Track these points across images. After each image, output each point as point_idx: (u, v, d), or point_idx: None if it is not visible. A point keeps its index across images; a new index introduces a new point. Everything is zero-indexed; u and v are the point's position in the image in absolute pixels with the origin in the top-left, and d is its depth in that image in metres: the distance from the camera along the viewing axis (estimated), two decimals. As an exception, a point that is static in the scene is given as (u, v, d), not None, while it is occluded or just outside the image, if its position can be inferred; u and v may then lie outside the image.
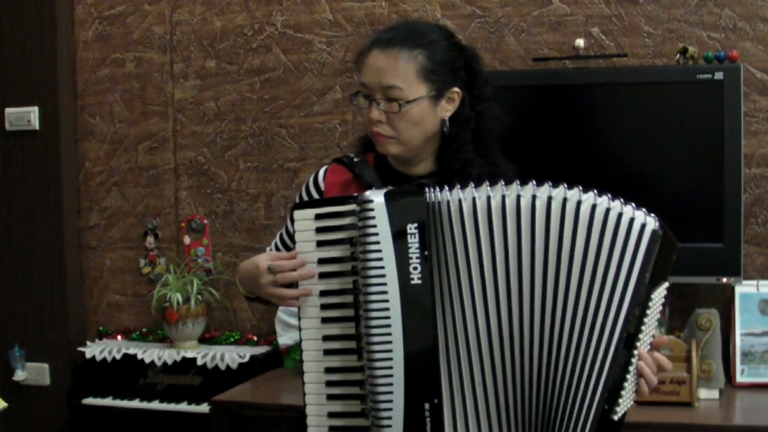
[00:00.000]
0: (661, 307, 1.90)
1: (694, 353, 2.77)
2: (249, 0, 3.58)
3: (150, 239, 3.74)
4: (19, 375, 3.70)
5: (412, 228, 1.80)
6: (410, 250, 1.80)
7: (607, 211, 1.79)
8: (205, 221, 3.66)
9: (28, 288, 3.74)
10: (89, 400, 3.50)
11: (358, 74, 2.07)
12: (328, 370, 1.89)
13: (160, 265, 3.72)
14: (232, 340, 3.55)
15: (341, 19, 3.48)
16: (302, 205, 1.95)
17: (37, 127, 3.70)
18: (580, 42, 3.15)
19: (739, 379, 2.96)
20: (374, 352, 1.80)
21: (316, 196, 2.15)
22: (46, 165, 3.70)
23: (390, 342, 1.80)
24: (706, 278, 2.99)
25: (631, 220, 1.81)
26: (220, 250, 3.66)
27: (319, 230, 1.90)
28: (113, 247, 3.81)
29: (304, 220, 1.91)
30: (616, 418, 1.86)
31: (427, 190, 1.82)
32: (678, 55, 3.03)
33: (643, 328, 1.84)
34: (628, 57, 3.16)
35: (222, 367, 3.35)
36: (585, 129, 3.08)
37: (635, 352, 1.84)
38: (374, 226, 1.80)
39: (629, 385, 1.87)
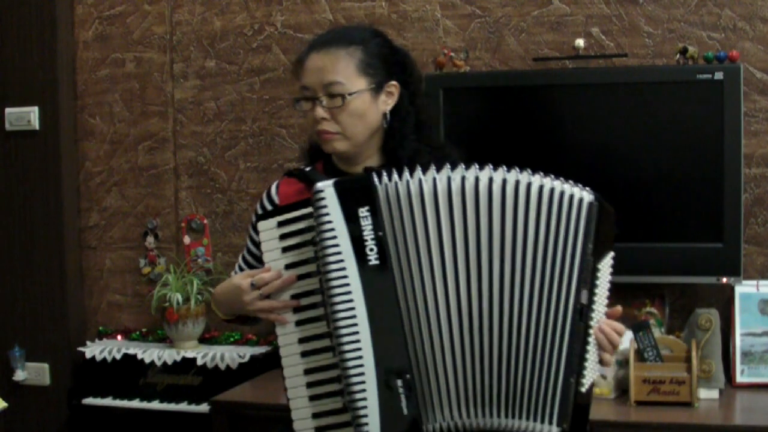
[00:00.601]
0: (610, 277, 1.95)
1: (694, 353, 2.77)
2: (249, 0, 3.58)
3: (150, 239, 3.74)
4: (19, 375, 3.70)
5: (363, 211, 1.85)
6: (364, 232, 1.84)
7: (541, 188, 1.86)
8: (205, 221, 3.66)
9: (28, 288, 3.74)
10: (89, 400, 3.50)
11: (297, 82, 2.12)
12: (307, 372, 1.92)
13: (160, 265, 3.72)
14: (232, 340, 3.55)
15: (341, 19, 3.48)
16: (264, 215, 1.99)
17: (37, 127, 3.70)
18: (580, 42, 3.16)
19: (739, 379, 2.96)
20: (340, 328, 1.83)
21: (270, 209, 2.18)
22: (46, 165, 3.70)
23: (355, 322, 1.83)
24: (706, 278, 3.00)
25: (569, 196, 1.87)
26: (220, 250, 3.66)
27: (282, 237, 1.94)
28: (113, 247, 3.81)
29: (268, 230, 1.95)
30: (583, 390, 1.90)
31: (374, 174, 1.87)
32: (678, 55, 3.03)
33: (595, 299, 1.90)
34: (628, 57, 3.16)
35: (222, 367, 3.35)
36: (585, 129, 3.09)
37: (591, 323, 1.90)
38: (327, 214, 1.85)
39: (591, 356, 1.91)
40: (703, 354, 2.84)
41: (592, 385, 1.94)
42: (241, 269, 2.23)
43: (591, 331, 1.90)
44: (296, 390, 1.92)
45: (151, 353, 3.46)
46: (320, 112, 2.05)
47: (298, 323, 1.93)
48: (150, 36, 3.71)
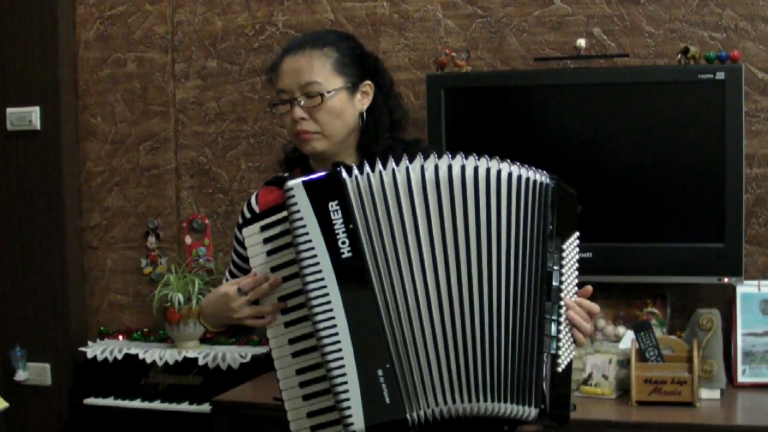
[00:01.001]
0: (577, 256, 1.97)
1: (695, 353, 2.77)
2: (250, 0, 3.58)
3: (151, 239, 3.74)
4: (21, 375, 3.70)
5: (333, 205, 1.87)
6: (335, 226, 1.87)
7: (499, 172, 1.89)
8: (207, 221, 3.66)
9: (30, 288, 3.74)
10: (90, 400, 3.50)
11: (272, 88, 2.14)
12: (300, 371, 1.93)
13: (162, 265, 3.72)
14: (233, 340, 3.55)
15: (342, 19, 3.48)
16: (246, 223, 2.01)
17: (39, 127, 3.70)
18: (582, 42, 3.15)
19: (741, 379, 2.96)
20: (318, 322, 1.85)
21: None
22: (48, 165, 3.70)
23: (332, 316, 1.85)
24: (708, 278, 2.99)
25: (527, 179, 1.91)
26: (222, 250, 3.66)
27: (266, 240, 1.96)
28: (114, 247, 3.81)
29: (252, 235, 1.97)
30: (559, 369, 1.91)
31: (342, 168, 1.90)
32: (679, 55, 3.03)
33: (563, 279, 1.93)
34: (629, 57, 3.16)
35: (223, 367, 3.35)
36: (586, 129, 3.09)
37: (561, 303, 1.92)
38: (298, 211, 1.87)
39: (564, 336, 1.94)
40: (704, 354, 2.84)
41: (570, 364, 1.96)
42: (228, 280, 2.24)
43: (562, 311, 1.93)
44: (291, 390, 1.93)
45: (153, 353, 3.46)
46: (299, 112, 2.08)
47: (288, 324, 1.95)
48: (151, 36, 3.71)
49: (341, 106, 2.09)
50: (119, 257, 3.80)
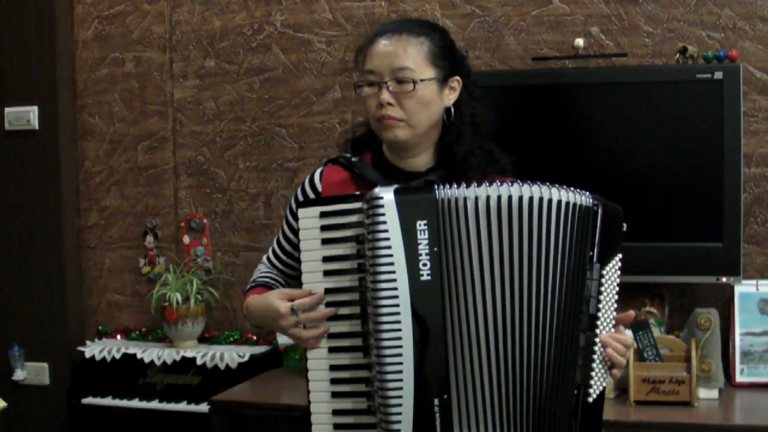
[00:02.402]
0: (618, 280, 1.93)
1: (693, 353, 2.77)
2: (248, 0, 3.59)
3: (149, 239, 3.74)
4: (19, 374, 3.69)
5: (421, 224, 1.82)
6: (420, 247, 1.82)
7: (540, 199, 1.84)
8: (205, 221, 3.66)
9: (28, 287, 3.74)
10: (89, 400, 3.50)
11: (359, 68, 2.10)
12: (333, 368, 1.90)
13: (160, 265, 3.72)
14: (231, 339, 3.55)
15: (341, 18, 3.47)
16: (306, 203, 1.96)
17: (37, 127, 3.70)
18: (580, 41, 3.15)
19: (739, 378, 2.96)
20: (384, 348, 1.81)
21: (312, 197, 2.16)
22: (46, 164, 3.70)
23: (400, 338, 1.81)
24: (706, 278, 2.99)
25: (566, 203, 1.86)
26: (220, 250, 3.66)
27: (324, 228, 1.90)
28: (113, 247, 3.80)
29: (309, 218, 1.92)
30: (590, 399, 1.88)
31: (436, 187, 1.85)
32: (677, 55, 3.03)
33: (600, 306, 1.88)
34: (627, 56, 3.16)
35: (221, 366, 3.35)
36: (584, 129, 3.08)
37: (597, 332, 1.88)
38: (384, 222, 1.81)
39: (597, 367, 1.89)
40: (702, 353, 2.84)
41: (603, 393, 1.92)
42: (275, 255, 2.20)
43: (597, 340, 1.88)
44: (318, 384, 1.91)
45: (151, 353, 3.46)
46: (387, 96, 2.02)
47: (330, 318, 1.92)
48: (149, 35, 3.71)
49: (430, 96, 2.05)
50: (117, 257, 3.80)
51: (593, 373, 1.88)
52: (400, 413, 1.81)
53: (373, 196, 1.83)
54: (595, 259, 1.87)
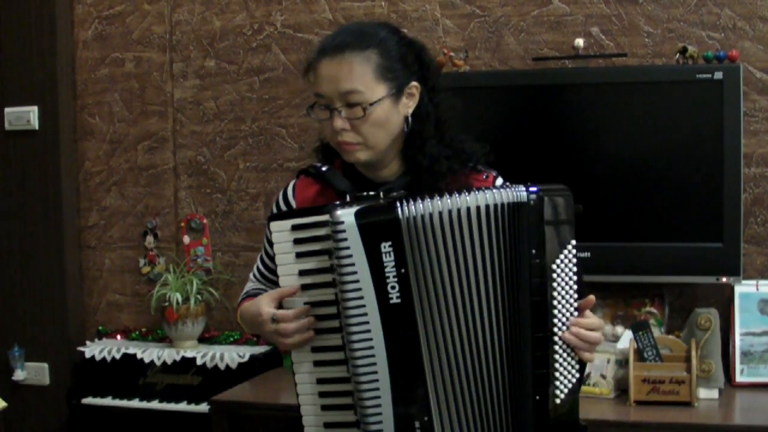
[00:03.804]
0: (575, 269, 1.84)
1: (693, 353, 2.77)
2: (248, 0, 3.59)
3: (149, 239, 3.74)
4: (19, 375, 3.69)
5: (386, 246, 1.77)
6: (386, 269, 1.77)
7: (461, 211, 1.80)
8: (205, 221, 3.66)
9: (28, 287, 3.74)
10: (89, 400, 3.50)
11: (309, 86, 1.99)
12: (320, 381, 1.88)
13: (160, 265, 3.72)
14: (231, 339, 3.55)
15: (341, 18, 3.47)
16: (278, 216, 1.92)
17: (37, 127, 3.70)
18: (580, 42, 3.15)
19: (739, 378, 2.96)
20: (360, 374, 1.78)
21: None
22: (46, 165, 3.70)
23: (375, 364, 1.78)
24: (706, 278, 2.99)
25: (490, 206, 1.81)
26: (220, 250, 3.66)
27: (296, 241, 1.86)
28: (113, 247, 3.80)
29: (281, 232, 1.88)
30: (558, 400, 1.84)
31: (398, 204, 1.79)
32: (677, 55, 3.03)
33: (555, 302, 1.82)
34: (627, 57, 3.16)
35: (221, 366, 3.35)
36: (584, 129, 3.09)
37: (555, 329, 1.83)
38: (347, 248, 1.77)
39: (561, 364, 1.84)
40: (702, 354, 2.84)
41: (574, 391, 1.87)
42: (260, 271, 2.16)
43: (556, 338, 1.83)
44: (307, 397, 1.89)
45: (151, 353, 3.46)
46: (339, 123, 1.91)
47: (315, 349, 1.88)
48: (149, 35, 3.71)
49: (385, 115, 1.92)
50: (117, 257, 3.80)
51: (558, 374, 1.84)
52: None
53: (334, 220, 1.78)
54: (539, 256, 1.81)
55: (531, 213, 1.80)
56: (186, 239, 3.67)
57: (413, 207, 1.79)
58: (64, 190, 3.72)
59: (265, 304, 1.93)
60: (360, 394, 1.79)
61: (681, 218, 2.99)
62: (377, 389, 1.78)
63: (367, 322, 1.77)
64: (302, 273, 1.87)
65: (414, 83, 1.97)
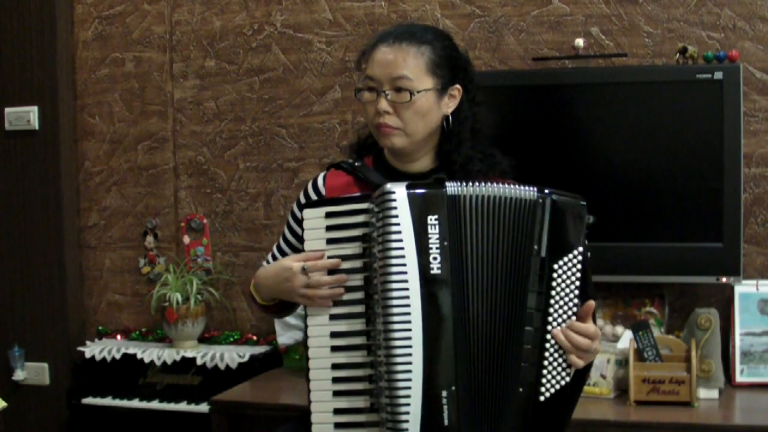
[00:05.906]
0: (578, 274, 1.92)
1: (693, 353, 2.77)
2: (248, 0, 3.58)
3: (149, 239, 3.74)
4: (19, 375, 3.69)
5: (432, 219, 1.86)
6: (431, 241, 1.86)
7: (494, 199, 1.92)
8: (205, 221, 3.66)
9: (28, 287, 3.74)
10: (89, 400, 3.50)
11: (360, 72, 2.12)
12: (335, 367, 1.92)
13: (160, 265, 3.72)
14: (231, 339, 3.55)
15: (341, 18, 3.48)
16: (312, 204, 1.99)
17: (37, 127, 3.70)
18: (580, 42, 3.15)
19: (739, 378, 2.96)
20: (393, 339, 1.84)
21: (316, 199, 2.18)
22: (46, 165, 3.70)
23: (410, 330, 1.84)
24: (706, 278, 2.99)
25: (520, 201, 1.93)
26: (220, 250, 3.66)
27: (329, 228, 1.94)
28: (113, 247, 3.81)
29: (314, 219, 1.95)
30: (542, 398, 1.88)
31: (447, 183, 1.89)
32: (677, 55, 3.03)
33: (552, 301, 1.89)
34: (627, 57, 3.16)
35: (221, 366, 3.35)
36: (584, 129, 3.09)
37: (548, 328, 1.89)
38: (396, 216, 1.85)
39: (550, 362, 1.90)
40: (702, 354, 2.84)
41: (564, 394, 1.91)
42: (274, 257, 2.21)
43: (548, 336, 1.89)
44: (320, 383, 1.93)
45: (151, 353, 3.46)
46: (384, 104, 2.04)
47: (333, 317, 1.94)
48: (149, 35, 3.71)
49: (428, 106, 2.06)
50: (117, 257, 3.80)
51: (545, 371, 1.89)
52: (408, 412, 1.83)
53: (385, 191, 1.88)
54: (541, 254, 1.89)
55: (541, 212, 1.91)
56: (186, 239, 3.67)
57: (459, 188, 1.90)
58: (64, 190, 3.72)
59: (293, 260, 1.99)
60: (391, 359, 1.84)
61: (681, 218, 2.99)
62: (410, 355, 1.83)
63: (407, 289, 1.84)
64: (331, 258, 1.95)
65: (457, 86, 2.11)
